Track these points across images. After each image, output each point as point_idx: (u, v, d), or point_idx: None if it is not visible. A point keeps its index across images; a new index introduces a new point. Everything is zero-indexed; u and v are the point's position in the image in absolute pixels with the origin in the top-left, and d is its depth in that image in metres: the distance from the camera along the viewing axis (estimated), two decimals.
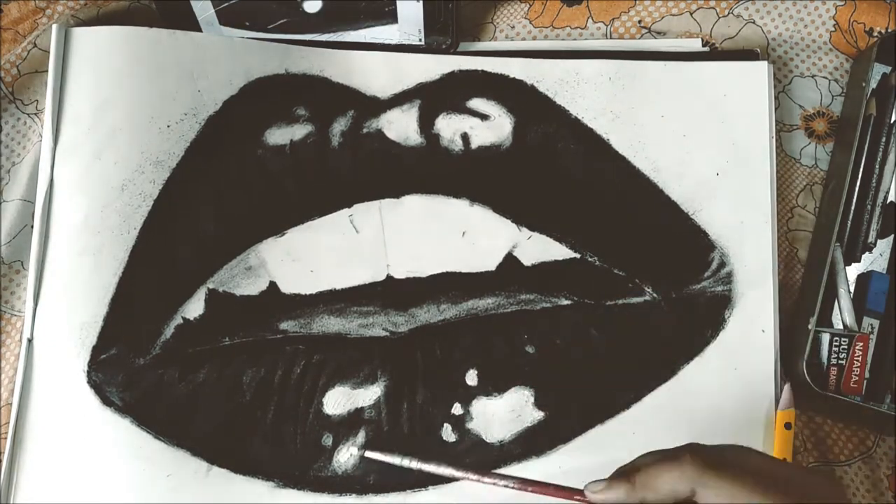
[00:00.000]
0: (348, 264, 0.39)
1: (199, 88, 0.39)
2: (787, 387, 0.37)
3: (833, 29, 0.43)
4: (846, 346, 0.39)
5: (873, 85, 0.41)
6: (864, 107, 0.40)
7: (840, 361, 0.39)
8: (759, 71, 0.41)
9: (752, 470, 0.27)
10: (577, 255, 0.39)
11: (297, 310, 0.38)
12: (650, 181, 0.40)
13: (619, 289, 0.38)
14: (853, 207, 0.40)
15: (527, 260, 0.39)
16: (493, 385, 0.37)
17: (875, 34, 0.43)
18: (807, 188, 0.42)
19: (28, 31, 0.41)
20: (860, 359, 0.39)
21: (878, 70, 0.42)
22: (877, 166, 0.40)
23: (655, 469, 0.27)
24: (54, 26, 0.39)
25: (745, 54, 0.42)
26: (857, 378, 0.38)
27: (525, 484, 0.30)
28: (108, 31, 0.39)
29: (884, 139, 0.40)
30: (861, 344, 0.39)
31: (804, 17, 0.43)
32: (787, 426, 0.36)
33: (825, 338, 0.39)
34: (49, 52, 0.39)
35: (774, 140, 0.40)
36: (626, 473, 0.28)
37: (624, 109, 0.40)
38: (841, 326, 0.39)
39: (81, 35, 0.39)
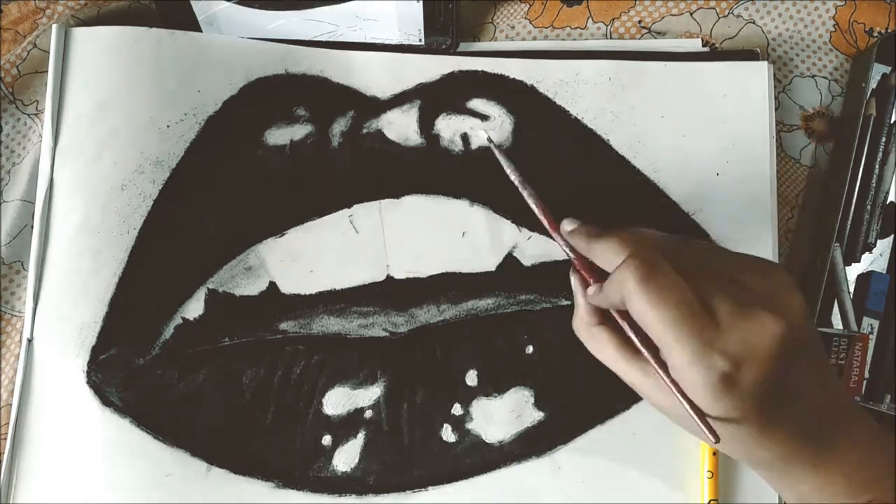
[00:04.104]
0: (348, 264, 0.39)
1: (199, 88, 0.39)
2: None
3: (833, 29, 0.43)
4: (846, 347, 0.39)
5: (873, 85, 0.41)
6: (864, 107, 0.40)
7: (840, 362, 0.39)
8: (759, 71, 0.41)
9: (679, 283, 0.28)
10: None
11: (297, 310, 0.38)
12: (650, 181, 0.40)
13: None
14: (853, 207, 0.40)
15: (527, 260, 0.39)
16: (493, 385, 0.37)
17: (875, 34, 0.43)
18: (807, 188, 0.42)
19: (28, 31, 0.41)
20: (860, 359, 0.39)
21: (878, 70, 0.42)
22: (877, 166, 0.40)
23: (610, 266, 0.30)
24: (54, 26, 0.39)
25: (745, 54, 0.42)
26: (856, 378, 0.38)
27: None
28: (108, 31, 0.39)
29: (884, 139, 0.40)
30: (861, 344, 0.39)
31: (804, 17, 0.43)
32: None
33: (825, 338, 0.39)
34: (49, 52, 0.39)
35: (774, 140, 0.40)
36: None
37: (624, 109, 0.40)
38: (841, 327, 0.39)
39: (81, 35, 0.39)
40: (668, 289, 0.28)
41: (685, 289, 0.28)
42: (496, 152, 0.36)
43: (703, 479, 0.36)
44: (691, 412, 0.28)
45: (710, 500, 0.36)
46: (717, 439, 0.28)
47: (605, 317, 0.32)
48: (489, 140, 0.37)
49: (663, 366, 0.29)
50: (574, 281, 0.34)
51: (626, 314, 0.30)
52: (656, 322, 0.27)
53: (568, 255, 0.34)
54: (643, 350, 0.30)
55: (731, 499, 0.37)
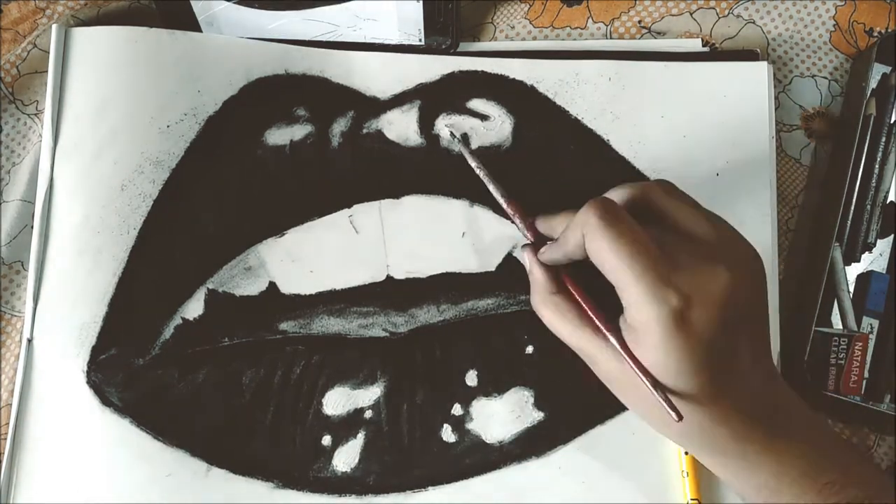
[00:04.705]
0: (348, 265, 0.39)
1: (199, 88, 0.39)
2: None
3: (833, 29, 0.43)
4: (846, 346, 0.39)
5: (873, 85, 0.41)
6: (864, 107, 0.40)
7: (840, 361, 0.39)
8: (759, 71, 0.41)
9: (643, 238, 0.29)
10: None
11: (297, 310, 0.38)
12: None
13: None
14: (853, 207, 0.40)
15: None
16: (493, 385, 0.37)
17: (875, 34, 0.43)
18: (807, 188, 0.42)
19: (28, 31, 0.41)
20: (859, 359, 0.39)
21: (878, 70, 0.42)
22: (877, 166, 0.40)
23: (566, 225, 0.32)
24: (54, 26, 0.39)
25: (745, 54, 0.42)
26: (856, 378, 0.38)
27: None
28: (108, 31, 0.39)
29: (884, 139, 0.40)
30: (860, 344, 0.39)
31: (804, 17, 0.43)
32: None
33: (825, 338, 0.39)
34: (49, 52, 0.39)
35: (774, 140, 0.40)
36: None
37: (624, 110, 0.40)
38: (841, 326, 0.39)
39: (81, 35, 0.39)
40: (628, 228, 0.29)
41: (642, 231, 0.29)
42: (455, 140, 0.39)
43: (683, 480, 0.36)
44: (646, 381, 0.29)
45: (691, 500, 0.36)
46: (679, 416, 0.28)
47: (561, 287, 0.33)
48: (451, 134, 0.39)
49: (617, 333, 0.30)
50: (527, 254, 0.34)
51: (575, 282, 0.32)
52: (613, 257, 0.28)
53: (523, 231, 0.36)
54: (597, 321, 0.31)
55: (718, 499, 0.37)
